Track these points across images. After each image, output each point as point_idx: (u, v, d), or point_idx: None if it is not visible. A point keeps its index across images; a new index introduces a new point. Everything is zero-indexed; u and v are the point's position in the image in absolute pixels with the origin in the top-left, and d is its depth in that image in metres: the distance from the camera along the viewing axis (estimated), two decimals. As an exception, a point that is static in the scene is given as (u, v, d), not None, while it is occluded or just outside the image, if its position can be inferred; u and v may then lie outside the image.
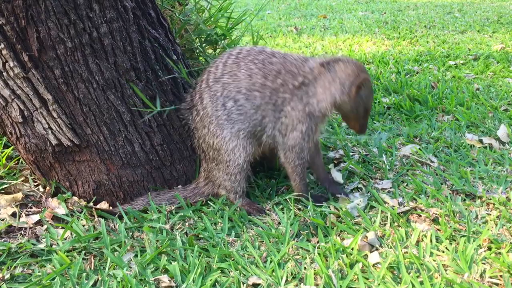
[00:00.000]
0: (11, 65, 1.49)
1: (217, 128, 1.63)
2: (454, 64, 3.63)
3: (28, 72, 1.51)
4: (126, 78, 1.60)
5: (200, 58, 2.52)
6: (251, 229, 1.56)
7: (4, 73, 1.51)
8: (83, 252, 1.43)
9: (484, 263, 1.36)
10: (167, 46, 1.73)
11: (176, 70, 1.75)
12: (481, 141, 2.13)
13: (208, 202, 1.71)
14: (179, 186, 1.78)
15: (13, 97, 1.55)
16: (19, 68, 1.49)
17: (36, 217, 1.62)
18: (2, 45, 1.46)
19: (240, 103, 1.60)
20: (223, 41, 2.58)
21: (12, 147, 1.93)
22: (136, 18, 1.60)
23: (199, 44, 2.51)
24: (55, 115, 1.58)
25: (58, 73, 1.52)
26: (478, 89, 2.92)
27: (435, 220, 1.56)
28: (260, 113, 1.60)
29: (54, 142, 1.62)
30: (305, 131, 1.59)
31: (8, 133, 1.67)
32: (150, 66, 1.65)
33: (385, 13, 6.60)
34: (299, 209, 1.69)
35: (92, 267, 1.38)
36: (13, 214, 1.64)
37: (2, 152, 1.94)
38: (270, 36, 5.06)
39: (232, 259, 1.40)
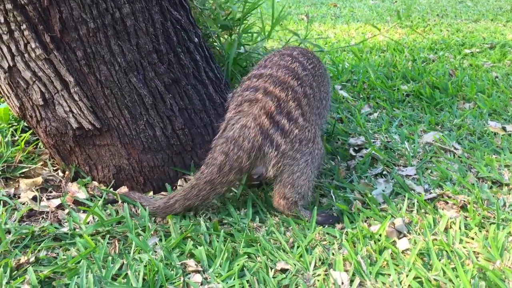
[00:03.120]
0: (33, 46, 1.46)
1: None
2: (470, 53, 3.57)
3: (49, 54, 1.48)
4: (148, 60, 1.57)
5: (215, 43, 2.49)
6: (276, 216, 1.53)
7: (26, 55, 1.48)
8: (107, 236, 1.41)
9: (516, 251, 1.34)
10: (189, 29, 1.69)
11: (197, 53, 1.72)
12: (504, 128, 2.09)
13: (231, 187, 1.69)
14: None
15: (34, 79, 1.53)
16: (41, 49, 1.47)
17: (57, 201, 1.60)
18: (24, 26, 1.43)
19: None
20: (238, 27, 2.54)
21: (31, 131, 1.91)
22: (159, -1, 1.57)
23: (215, 29, 2.47)
24: (76, 97, 1.56)
25: (80, 54, 1.49)
26: (497, 77, 2.87)
27: (463, 207, 1.53)
28: None
29: (75, 125, 1.60)
30: None
31: (28, 116, 1.65)
32: (172, 49, 1.61)
33: (396, 1, 6.52)
34: (322, 195, 1.66)
35: (117, 251, 1.36)
36: (34, 198, 1.62)
37: (20, 137, 1.92)
38: (281, 24, 5.00)
39: (259, 244, 1.38)
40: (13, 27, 1.44)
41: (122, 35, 1.50)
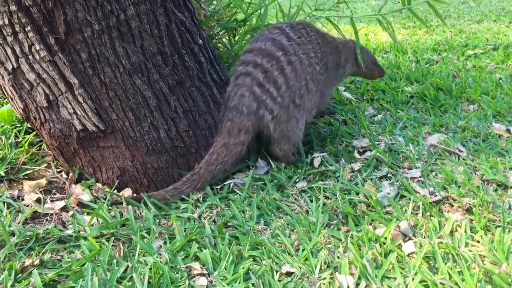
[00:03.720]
0: (37, 48, 1.46)
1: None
2: (474, 54, 3.56)
3: (54, 56, 1.48)
4: (153, 62, 1.56)
5: (219, 44, 2.49)
6: (281, 218, 1.53)
7: (30, 57, 1.48)
8: (112, 238, 1.40)
9: (522, 254, 1.33)
10: (193, 30, 1.69)
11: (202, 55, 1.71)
12: (508, 130, 2.08)
13: (234, 189, 1.69)
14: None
15: (38, 81, 1.53)
16: (45, 51, 1.46)
17: (61, 203, 1.60)
18: (29, 28, 1.43)
19: None
20: (242, 28, 2.54)
21: (34, 132, 1.91)
22: (163, 1, 1.57)
23: (218, 30, 2.47)
24: (80, 99, 1.55)
25: (84, 56, 1.49)
26: (500, 78, 2.86)
27: (468, 210, 1.53)
28: None
29: (79, 127, 1.60)
30: None
31: (32, 118, 1.65)
32: (176, 50, 1.61)
33: (398, 2, 6.51)
34: (326, 197, 1.65)
35: (122, 254, 1.35)
36: (38, 200, 1.62)
37: (23, 138, 1.92)
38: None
39: (264, 247, 1.37)
40: (17, 29, 1.43)
41: (126, 37, 1.50)
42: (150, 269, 1.26)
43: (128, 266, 1.30)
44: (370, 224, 1.50)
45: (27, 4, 1.39)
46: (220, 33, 2.46)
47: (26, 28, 1.43)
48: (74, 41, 1.46)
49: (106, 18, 1.45)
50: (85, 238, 1.40)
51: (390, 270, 1.28)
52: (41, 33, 1.44)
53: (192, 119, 1.69)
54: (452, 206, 1.56)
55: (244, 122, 1.67)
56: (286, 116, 1.72)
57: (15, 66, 1.51)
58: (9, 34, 1.44)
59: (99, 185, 1.73)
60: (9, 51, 1.48)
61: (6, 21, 1.42)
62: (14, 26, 1.43)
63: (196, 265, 1.29)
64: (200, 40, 1.71)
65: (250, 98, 1.67)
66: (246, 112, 1.67)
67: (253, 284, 1.23)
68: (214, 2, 2.41)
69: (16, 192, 1.65)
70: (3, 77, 1.56)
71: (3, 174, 1.70)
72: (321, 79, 1.84)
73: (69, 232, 1.44)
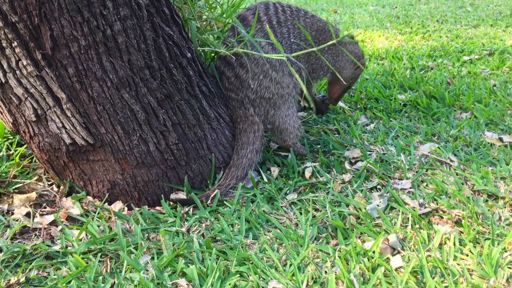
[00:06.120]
0: (24, 63, 1.46)
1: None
2: (469, 60, 3.56)
3: (41, 71, 1.48)
4: (141, 76, 1.56)
5: (212, 54, 2.48)
6: (269, 231, 1.52)
7: (17, 72, 1.48)
8: (99, 254, 1.40)
9: (510, 267, 1.32)
10: (181, 44, 1.69)
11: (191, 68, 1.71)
12: (501, 139, 2.08)
13: (225, 202, 1.68)
14: None
15: (26, 96, 1.53)
16: (32, 66, 1.47)
17: (50, 218, 1.60)
18: (15, 43, 1.43)
19: None
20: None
21: (25, 145, 1.91)
22: (150, 16, 1.57)
23: (211, 41, 2.47)
24: (69, 114, 1.55)
25: (71, 71, 1.49)
26: (495, 85, 2.86)
27: (457, 222, 1.52)
28: None
29: (68, 141, 1.60)
30: None
31: (21, 132, 1.65)
32: (164, 64, 1.61)
33: (396, 7, 6.51)
34: (316, 209, 1.65)
35: (109, 270, 1.35)
36: (27, 214, 1.62)
37: (15, 151, 1.92)
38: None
39: (251, 262, 1.37)
40: (4, 45, 1.44)
41: (113, 52, 1.50)
42: (136, 286, 1.26)
43: (114, 283, 1.29)
44: (359, 237, 1.49)
45: (13, 20, 1.39)
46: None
47: (13, 44, 1.43)
48: (61, 56, 1.46)
49: (92, 33, 1.45)
50: (72, 254, 1.40)
51: (377, 285, 1.28)
52: (28, 48, 1.44)
53: (182, 132, 1.69)
54: (442, 218, 1.56)
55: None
56: (266, 110, 1.87)
57: (3, 81, 1.51)
58: (-4, 50, 1.45)
59: (90, 198, 1.73)
60: (-4, 66, 1.48)
61: (-7, 37, 1.42)
62: (1, 41, 1.43)
63: (182, 282, 1.28)
64: (189, 54, 1.71)
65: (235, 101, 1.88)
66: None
67: (239, 301, 1.23)
68: (206, 13, 2.41)
69: (6, 206, 1.65)
70: (-9, 92, 1.57)
71: (-7, 188, 1.70)
72: (284, 64, 1.87)
73: (57, 247, 1.44)
